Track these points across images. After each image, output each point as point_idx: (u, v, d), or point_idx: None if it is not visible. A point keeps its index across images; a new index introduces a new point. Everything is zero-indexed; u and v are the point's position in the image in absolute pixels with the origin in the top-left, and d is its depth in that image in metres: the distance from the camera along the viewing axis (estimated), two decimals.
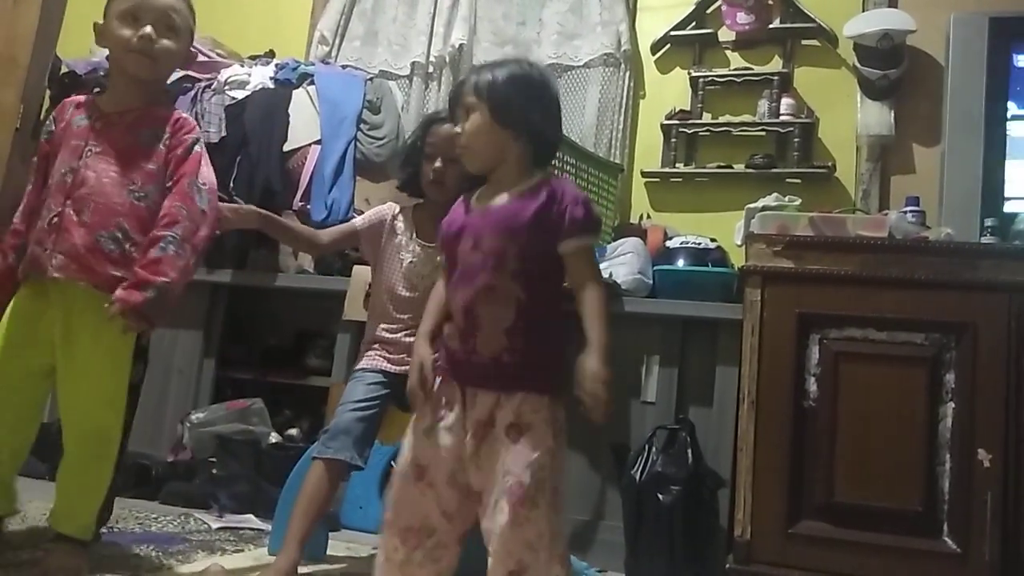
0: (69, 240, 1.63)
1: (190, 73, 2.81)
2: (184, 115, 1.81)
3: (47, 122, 1.79)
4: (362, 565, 1.98)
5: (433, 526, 1.35)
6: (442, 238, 1.49)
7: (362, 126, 2.74)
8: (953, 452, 1.83)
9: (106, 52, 3.00)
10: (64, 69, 3.00)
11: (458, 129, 1.46)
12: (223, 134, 2.65)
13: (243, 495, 2.37)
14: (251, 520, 2.27)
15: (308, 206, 2.60)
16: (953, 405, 1.85)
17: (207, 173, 1.74)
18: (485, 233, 1.38)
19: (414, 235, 1.98)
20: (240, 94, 2.75)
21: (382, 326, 1.96)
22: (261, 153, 2.63)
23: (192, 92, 2.75)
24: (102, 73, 2.98)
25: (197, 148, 1.75)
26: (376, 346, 1.95)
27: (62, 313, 1.64)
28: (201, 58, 2.89)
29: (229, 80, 2.78)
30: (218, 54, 2.99)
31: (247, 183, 2.62)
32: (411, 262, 1.96)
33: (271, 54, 3.08)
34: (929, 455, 1.84)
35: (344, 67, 3.14)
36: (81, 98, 1.80)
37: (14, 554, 1.71)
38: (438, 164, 1.91)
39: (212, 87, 2.76)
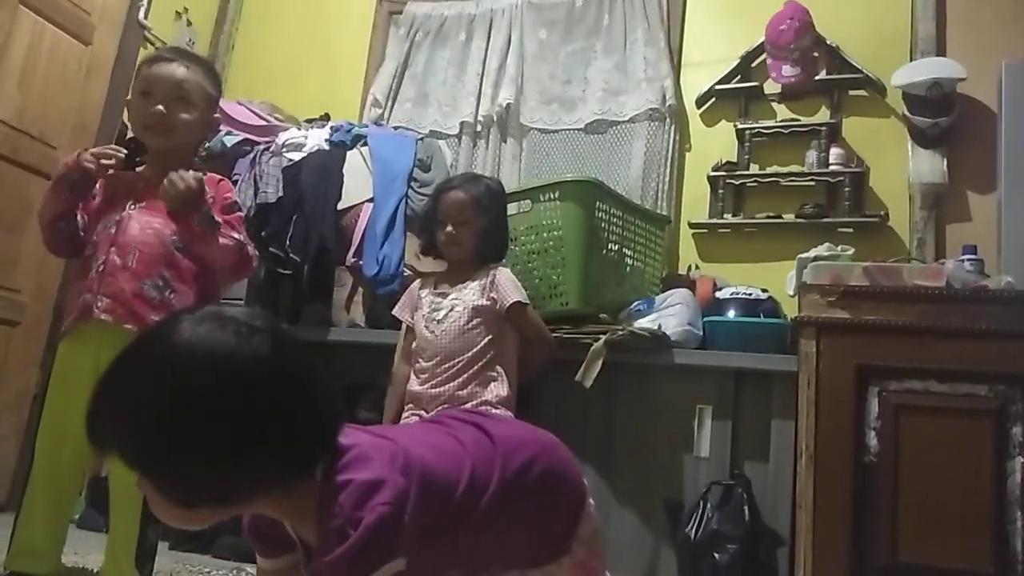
0: (116, 284, 1.70)
1: (250, 137, 2.93)
2: (218, 176, 1.91)
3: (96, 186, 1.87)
4: None
5: None
6: None
7: (413, 184, 2.80)
8: None
9: None
10: (130, 135, 3.14)
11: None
12: (280, 194, 2.73)
13: None
14: None
15: (360, 262, 2.66)
16: (1022, 459, 1.78)
17: (244, 233, 1.86)
18: None
19: (432, 290, 2.14)
20: (297, 156, 2.84)
21: (413, 379, 2.08)
22: (316, 211, 2.71)
23: (251, 155, 2.85)
24: None
25: (236, 210, 1.87)
26: (410, 405, 2.04)
27: (102, 354, 1.66)
28: (260, 122, 3.01)
29: (286, 143, 2.88)
30: (276, 118, 3.10)
31: (303, 240, 2.69)
32: (428, 312, 2.10)
33: (326, 117, 3.18)
34: (998, 512, 1.77)
35: (396, 128, 3.23)
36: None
37: None
38: (449, 228, 2.10)
39: (270, 149, 2.86)
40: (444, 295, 2.10)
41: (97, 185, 1.85)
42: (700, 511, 2.05)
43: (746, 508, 2.03)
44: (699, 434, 2.25)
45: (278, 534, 0.98)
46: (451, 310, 2.06)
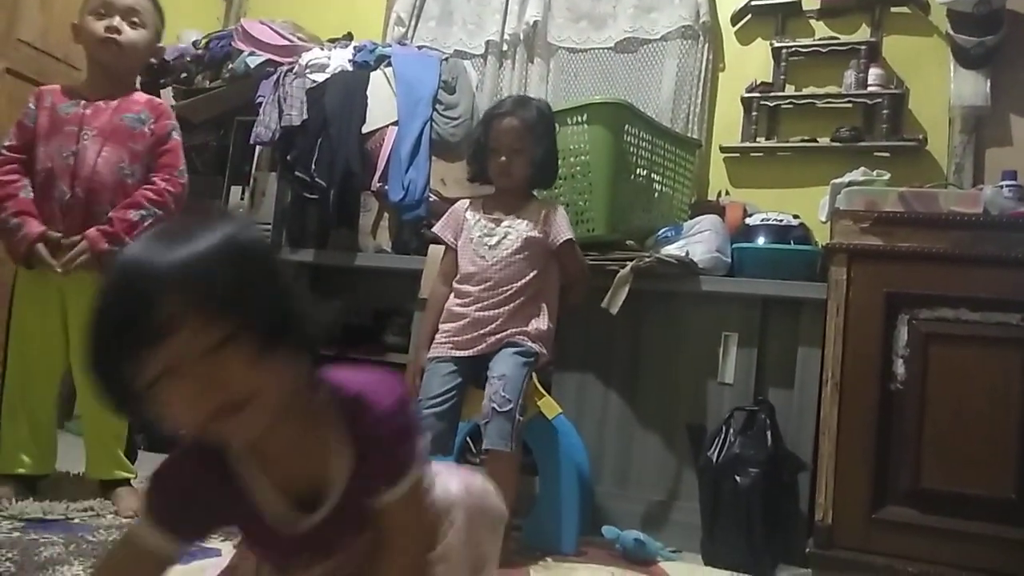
0: (79, 219, 1.88)
1: (272, 57, 2.89)
2: (158, 99, 2.07)
3: (28, 106, 1.97)
4: None
5: None
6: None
7: (437, 107, 2.76)
8: None
9: (192, 38, 3.13)
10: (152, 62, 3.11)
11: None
12: (304, 117, 2.70)
13: None
14: None
15: (386, 187, 2.65)
16: None
17: (183, 161, 2.02)
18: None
19: (482, 215, 2.09)
20: (320, 77, 2.80)
21: (455, 300, 2.06)
22: (341, 135, 2.68)
23: (275, 76, 2.81)
24: (188, 59, 3.09)
25: (175, 136, 2.01)
26: (446, 326, 2.04)
27: (68, 278, 1.86)
28: (282, 42, 2.97)
29: (310, 64, 2.83)
30: (299, 38, 3.05)
31: (328, 165, 2.67)
32: (479, 236, 2.06)
33: (349, 37, 3.12)
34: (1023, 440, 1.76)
35: (420, 48, 3.16)
36: (56, 87, 2.00)
37: (80, 504, 1.86)
38: (503, 158, 2.05)
39: (293, 71, 2.81)
40: (498, 221, 2.07)
41: (36, 107, 1.94)
42: (723, 435, 2.07)
43: (769, 433, 2.05)
44: (724, 361, 2.25)
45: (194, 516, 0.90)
46: (504, 237, 2.04)
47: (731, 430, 2.07)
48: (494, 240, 2.05)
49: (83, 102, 1.94)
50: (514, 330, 1.98)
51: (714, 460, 2.05)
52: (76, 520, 1.75)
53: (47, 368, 1.93)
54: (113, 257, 1.84)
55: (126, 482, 1.95)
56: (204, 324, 0.75)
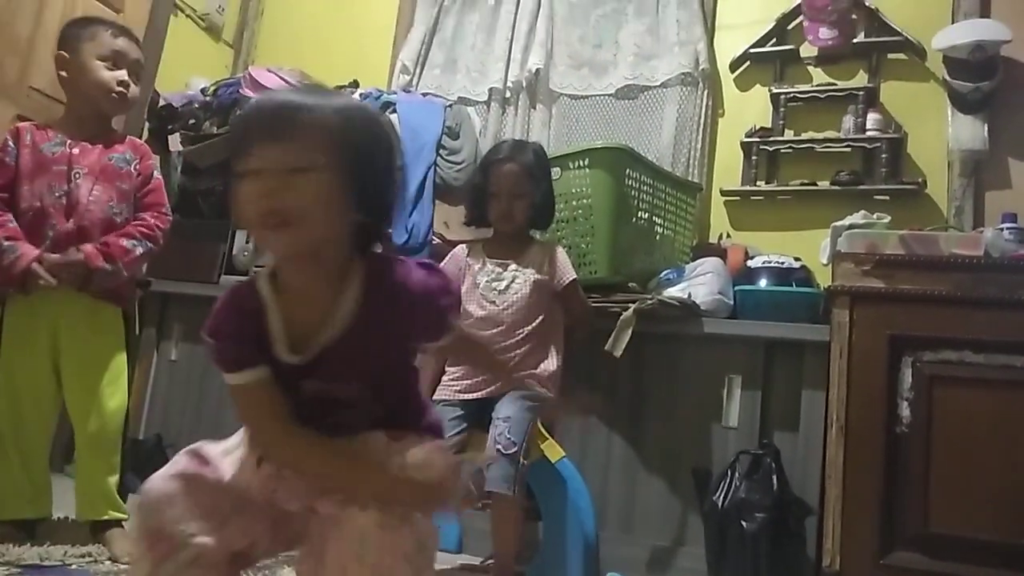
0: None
1: None
2: (138, 140, 2.10)
3: (7, 144, 1.95)
4: None
5: None
6: None
7: (441, 151, 2.79)
8: None
9: (200, 85, 3.17)
10: (161, 102, 3.16)
11: None
12: None
13: None
14: None
15: (390, 230, 2.66)
16: None
17: (166, 197, 2.08)
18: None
19: (486, 261, 2.11)
20: None
21: None
22: None
23: None
24: (196, 105, 3.14)
25: (157, 175, 2.05)
26: (454, 370, 2.04)
27: (59, 317, 1.86)
28: None
29: None
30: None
31: None
32: (486, 282, 2.07)
33: (355, 84, 3.17)
34: None
35: (425, 95, 3.21)
36: (32, 124, 2.01)
37: (78, 549, 1.82)
38: (504, 203, 2.08)
39: None
40: (504, 266, 2.09)
41: (15, 144, 1.92)
42: (728, 480, 2.05)
43: (775, 477, 2.03)
44: (728, 404, 2.24)
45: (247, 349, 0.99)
46: (512, 281, 2.06)
47: (736, 474, 2.06)
48: (502, 285, 2.06)
49: (68, 141, 1.94)
50: (524, 373, 1.98)
51: (719, 505, 2.03)
52: (74, 566, 1.72)
53: (38, 409, 1.90)
54: (105, 277, 1.85)
55: (118, 524, 1.89)
56: (300, 150, 0.91)
